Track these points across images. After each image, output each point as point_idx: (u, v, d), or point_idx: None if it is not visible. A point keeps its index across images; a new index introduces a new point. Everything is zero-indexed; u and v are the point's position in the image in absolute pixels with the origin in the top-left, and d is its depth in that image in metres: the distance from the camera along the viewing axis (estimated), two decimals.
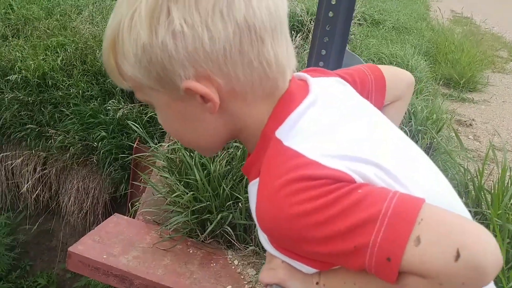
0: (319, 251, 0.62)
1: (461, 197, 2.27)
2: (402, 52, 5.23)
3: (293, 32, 4.72)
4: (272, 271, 0.76)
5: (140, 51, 0.63)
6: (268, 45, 0.66)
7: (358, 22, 6.44)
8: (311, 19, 4.92)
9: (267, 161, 0.68)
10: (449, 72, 5.92)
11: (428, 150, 2.88)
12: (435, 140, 2.95)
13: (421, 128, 3.03)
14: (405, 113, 3.13)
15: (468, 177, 2.46)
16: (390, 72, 0.97)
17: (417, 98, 3.74)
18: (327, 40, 1.34)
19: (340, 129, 0.70)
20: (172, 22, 0.61)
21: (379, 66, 0.98)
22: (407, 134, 2.88)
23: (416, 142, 2.86)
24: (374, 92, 0.93)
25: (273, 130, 0.69)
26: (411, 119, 3.05)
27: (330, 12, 1.34)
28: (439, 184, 0.75)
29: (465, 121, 4.73)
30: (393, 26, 7.21)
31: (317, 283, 0.71)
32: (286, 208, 0.61)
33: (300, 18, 5.02)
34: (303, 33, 4.62)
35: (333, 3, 1.31)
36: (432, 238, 0.56)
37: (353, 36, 5.46)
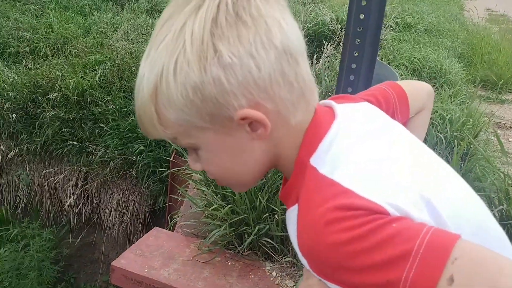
0: (354, 281, 0.64)
1: (501, 204, 2.23)
2: (435, 56, 5.16)
3: (324, 41, 4.73)
4: None
5: (191, 93, 0.66)
6: (302, 66, 0.70)
7: (390, 26, 6.39)
8: (342, 27, 4.92)
9: (306, 189, 0.70)
10: (486, 73, 5.80)
11: (465, 156, 2.83)
12: (472, 145, 2.90)
13: (457, 134, 2.98)
14: (440, 120, 3.09)
15: (509, 183, 2.41)
16: (410, 86, 1.01)
17: (452, 102, 3.68)
18: (357, 54, 1.36)
19: (372, 155, 0.71)
20: (221, 57, 0.64)
21: (398, 82, 1.00)
22: (442, 141, 2.85)
23: (452, 148, 2.82)
24: (398, 108, 0.95)
25: (307, 157, 0.71)
26: (447, 126, 3.01)
27: (360, 27, 1.36)
28: (467, 202, 0.75)
29: (504, 124, 4.63)
30: (425, 29, 7.11)
31: None
32: (325, 237, 0.63)
33: (330, 27, 5.03)
34: (334, 42, 4.62)
35: (362, 18, 1.33)
36: (466, 279, 0.56)
37: (385, 41, 5.42)
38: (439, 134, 2.88)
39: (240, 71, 0.65)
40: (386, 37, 5.42)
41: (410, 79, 4.25)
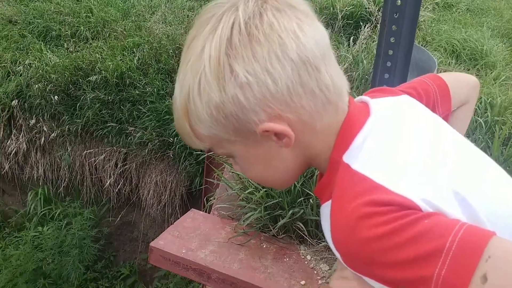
0: (387, 276, 0.65)
1: None
2: (476, 36, 4.98)
3: (361, 23, 4.64)
4: (344, 281, 0.78)
5: (214, 111, 0.69)
6: (323, 72, 0.71)
7: (429, 7, 6.20)
8: (379, 9, 4.81)
9: (338, 185, 0.71)
10: None
11: (507, 141, 2.75)
12: None
13: (499, 118, 2.89)
14: (481, 104, 3.01)
15: None
16: (453, 79, 0.98)
17: (493, 85, 3.56)
18: (393, 40, 1.33)
19: (406, 151, 0.71)
20: (237, 76, 0.67)
21: (440, 74, 0.98)
22: (482, 126, 2.77)
23: (493, 133, 2.75)
24: (439, 101, 0.94)
25: (340, 154, 0.73)
26: (487, 110, 2.92)
27: (396, 13, 1.33)
28: (506, 199, 0.74)
29: None
30: (467, 8, 6.86)
31: None
32: (357, 232, 0.64)
33: (367, 9, 4.93)
34: (371, 24, 4.53)
35: (399, 4, 1.31)
36: (500, 278, 0.56)
37: (423, 22, 5.28)
38: (479, 118, 2.81)
39: (257, 87, 0.67)
40: (424, 18, 5.27)
41: (448, 61, 4.14)
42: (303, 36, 0.69)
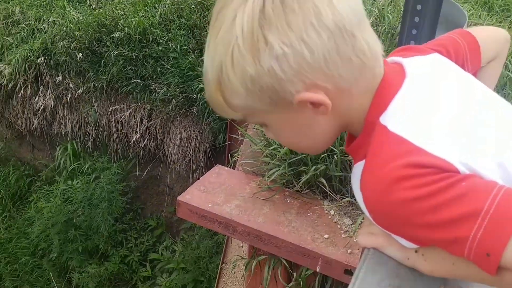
0: (419, 236, 0.66)
1: None
2: None
3: None
4: (372, 236, 0.79)
5: (250, 84, 0.68)
6: (359, 38, 0.69)
7: None
8: None
9: (374, 146, 0.71)
10: None
11: None
12: None
13: None
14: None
15: None
16: (483, 34, 0.95)
17: None
18: None
19: (442, 112, 0.70)
20: (272, 47, 0.65)
21: (470, 29, 0.96)
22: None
23: None
24: (469, 58, 0.91)
25: (377, 116, 0.72)
26: None
27: None
28: None
29: None
30: None
31: (416, 251, 0.74)
32: (392, 193, 0.64)
33: None
34: None
35: None
36: None
37: None
38: (510, 73, 2.74)
39: (293, 58, 0.66)
40: None
41: (479, 13, 3.99)
42: (338, 3, 0.67)
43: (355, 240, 2.02)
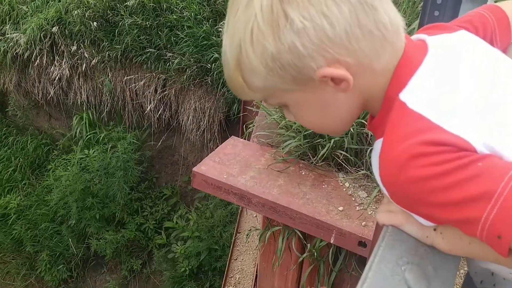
0: (434, 215, 0.65)
1: None
2: None
3: None
4: (391, 214, 0.79)
5: (270, 62, 0.67)
6: (380, 9, 0.67)
7: None
8: None
9: (392, 122, 0.69)
10: None
11: None
12: None
13: None
14: None
15: None
16: None
17: None
18: None
19: (465, 90, 0.68)
20: (293, 22, 0.64)
21: (500, 3, 0.92)
22: None
23: None
24: (498, 33, 0.88)
25: (397, 92, 0.70)
26: None
27: None
28: None
29: None
30: None
31: (434, 230, 0.74)
32: (407, 170, 0.63)
33: None
34: None
35: None
36: None
37: None
38: None
39: (314, 33, 0.64)
40: None
41: None
42: None
43: (369, 213, 2.02)
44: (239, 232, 4.23)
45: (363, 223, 1.98)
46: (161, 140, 5.78)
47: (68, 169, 5.61)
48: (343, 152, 2.22)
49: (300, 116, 0.78)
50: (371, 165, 0.80)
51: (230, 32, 0.70)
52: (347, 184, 2.19)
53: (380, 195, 2.05)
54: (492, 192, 0.58)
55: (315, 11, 0.64)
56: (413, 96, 0.69)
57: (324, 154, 2.24)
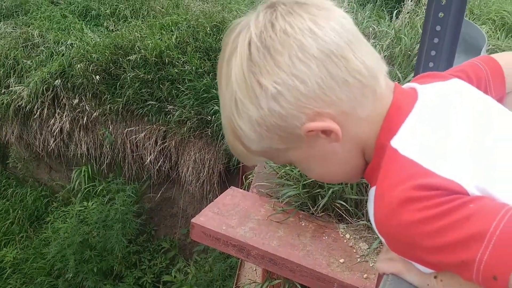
0: (430, 259, 0.64)
1: None
2: None
3: None
4: (390, 262, 0.78)
5: (257, 127, 0.71)
6: (352, 58, 0.70)
7: None
8: None
9: (384, 169, 0.70)
10: None
11: None
12: None
13: None
14: None
15: None
16: (508, 59, 0.93)
17: None
18: (442, 15, 1.28)
19: (455, 135, 0.69)
20: (267, 89, 0.69)
21: (494, 55, 0.94)
22: None
23: None
24: (492, 84, 0.90)
25: (388, 139, 0.71)
26: None
27: None
28: None
29: None
30: None
31: (435, 277, 0.72)
32: (400, 215, 0.63)
33: None
34: None
35: None
36: None
37: None
38: None
39: (289, 93, 0.68)
40: None
41: (498, 35, 3.97)
42: (320, 30, 0.69)
43: (371, 265, 1.97)
44: (238, 286, 4.12)
45: (365, 276, 1.93)
46: (160, 192, 5.75)
47: (67, 221, 5.55)
48: (343, 203, 2.21)
49: (307, 170, 0.81)
50: (368, 214, 0.80)
51: (222, 106, 0.76)
52: (347, 236, 2.16)
53: (381, 246, 2.01)
54: (485, 232, 0.58)
55: (285, 74, 0.68)
56: (404, 142, 0.70)
57: (323, 204, 2.23)
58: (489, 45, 3.46)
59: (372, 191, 0.74)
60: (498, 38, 3.91)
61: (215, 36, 5.32)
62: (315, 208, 2.25)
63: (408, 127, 0.71)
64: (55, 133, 5.60)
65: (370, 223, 2.13)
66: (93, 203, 5.47)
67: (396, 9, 4.32)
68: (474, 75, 0.89)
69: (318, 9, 0.71)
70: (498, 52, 3.57)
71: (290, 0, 0.72)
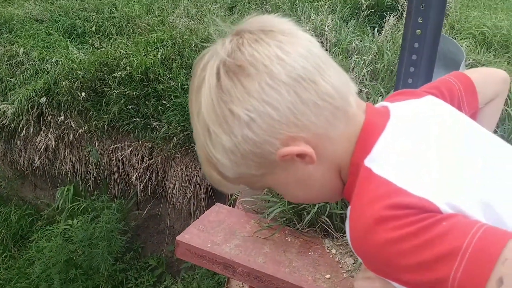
0: (405, 278, 0.64)
1: None
2: (508, 22, 4.83)
3: (386, 12, 4.57)
4: (368, 280, 0.79)
5: (231, 155, 0.72)
6: (320, 82, 0.71)
7: None
8: None
9: (358, 188, 0.71)
10: None
11: None
12: None
13: None
14: (511, 93, 2.93)
15: None
16: (480, 75, 0.96)
17: None
18: (419, 32, 1.31)
19: (428, 153, 0.70)
20: (240, 117, 0.69)
21: (467, 71, 0.97)
22: (510, 117, 2.70)
23: None
24: (465, 99, 0.92)
25: (362, 159, 0.72)
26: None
27: (422, 4, 1.30)
28: None
29: None
30: None
31: None
32: (374, 234, 0.64)
33: None
34: (397, 13, 4.46)
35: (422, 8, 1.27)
36: None
37: (451, 8, 5.16)
38: (508, 108, 2.74)
39: (261, 120, 0.69)
40: (451, 4, 5.15)
41: (478, 49, 4.04)
42: (287, 56, 0.70)
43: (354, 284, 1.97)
44: None
45: None
46: (146, 209, 5.70)
47: (51, 240, 5.47)
48: (327, 219, 2.21)
49: (285, 194, 0.82)
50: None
51: (195, 135, 0.76)
52: (333, 251, 2.16)
53: None
54: (458, 249, 0.58)
55: (256, 101, 0.69)
56: (377, 161, 0.71)
57: (309, 220, 2.23)
58: (469, 60, 3.52)
59: (349, 210, 0.75)
60: (478, 53, 3.98)
61: (200, 52, 5.33)
62: (301, 223, 2.25)
63: (381, 146, 0.72)
64: (40, 150, 5.55)
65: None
66: (78, 221, 5.40)
67: (379, 25, 4.38)
68: (447, 91, 0.90)
69: (284, 35, 0.72)
70: (478, 66, 3.64)
71: (256, 28, 0.73)
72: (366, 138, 0.74)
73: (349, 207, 0.75)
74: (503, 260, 0.55)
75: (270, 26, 0.73)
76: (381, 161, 0.70)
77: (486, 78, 0.98)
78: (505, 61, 3.95)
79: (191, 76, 0.78)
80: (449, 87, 0.91)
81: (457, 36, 4.38)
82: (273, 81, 0.69)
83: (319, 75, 0.71)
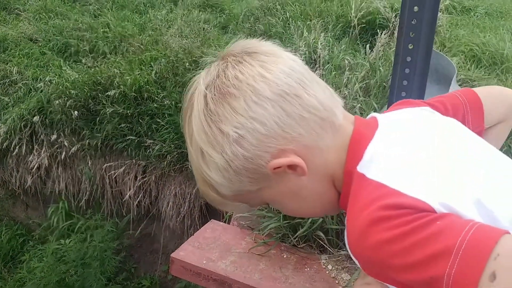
0: (401, 279, 0.65)
1: None
2: (495, 40, 4.91)
3: (378, 30, 4.63)
4: (367, 286, 0.79)
5: (225, 173, 0.75)
6: (305, 96, 0.74)
7: (446, 10, 6.16)
8: (396, 15, 4.80)
9: (353, 194, 0.73)
10: None
11: None
12: None
13: None
14: None
15: None
16: (489, 94, 0.96)
17: None
18: (411, 47, 1.33)
19: (419, 155, 0.72)
20: (229, 135, 0.72)
21: (475, 88, 0.98)
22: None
23: None
24: (470, 116, 0.93)
25: (354, 166, 0.75)
26: None
27: (414, 19, 1.33)
28: None
29: None
30: (486, 12, 6.78)
31: None
32: (370, 236, 0.65)
33: (384, 15, 4.92)
34: (388, 30, 4.52)
35: (416, 10, 1.30)
36: (508, 276, 0.55)
37: (441, 27, 5.24)
38: None
39: (250, 136, 0.72)
40: (442, 23, 5.23)
41: (468, 66, 4.09)
42: (271, 74, 0.73)
43: None
44: None
45: None
46: (140, 228, 5.65)
47: (43, 260, 5.40)
48: (322, 235, 2.20)
49: (282, 208, 0.84)
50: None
51: (190, 160, 0.80)
52: (330, 267, 2.15)
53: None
54: (451, 247, 0.59)
55: (244, 118, 0.72)
56: (370, 166, 0.73)
57: (304, 235, 2.22)
58: (460, 76, 3.57)
59: (346, 217, 0.76)
60: (468, 69, 4.04)
61: (194, 71, 5.36)
62: (296, 239, 2.24)
63: (371, 151, 0.74)
64: (32, 170, 5.51)
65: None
66: (70, 241, 5.34)
67: (371, 42, 4.43)
68: (451, 105, 0.92)
69: (266, 55, 0.76)
70: (469, 82, 3.69)
71: (239, 51, 0.76)
72: (356, 146, 0.76)
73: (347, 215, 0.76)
74: (495, 256, 0.56)
75: (254, 48, 0.77)
76: (373, 165, 0.72)
77: (496, 98, 0.98)
78: (495, 77, 4.01)
79: (184, 95, 0.81)
80: (454, 102, 0.93)
81: (447, 53, 4.44)
82: (258, 98, 0.72)
83: (302, 90, 0.74)
